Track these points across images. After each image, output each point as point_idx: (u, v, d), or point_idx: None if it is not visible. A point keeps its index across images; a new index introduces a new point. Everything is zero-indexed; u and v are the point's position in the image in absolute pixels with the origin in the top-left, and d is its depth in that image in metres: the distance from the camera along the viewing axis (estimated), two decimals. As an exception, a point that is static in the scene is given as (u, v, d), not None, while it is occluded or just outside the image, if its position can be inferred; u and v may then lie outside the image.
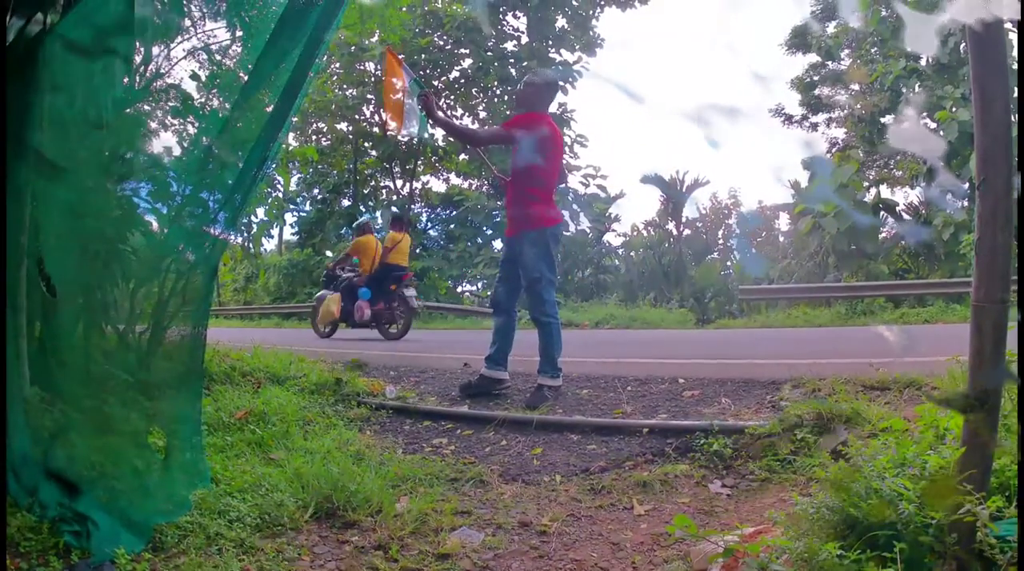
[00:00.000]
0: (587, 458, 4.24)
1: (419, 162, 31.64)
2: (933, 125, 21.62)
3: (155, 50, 3.23)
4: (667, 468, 3.90)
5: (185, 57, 3.33)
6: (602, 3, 28.32)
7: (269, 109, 3.30)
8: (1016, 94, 2.02)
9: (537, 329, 5.81)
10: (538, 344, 5.79)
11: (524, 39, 28.67)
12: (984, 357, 1.97)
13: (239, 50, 3.45)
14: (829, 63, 29.82)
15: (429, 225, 32.26)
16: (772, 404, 4.72)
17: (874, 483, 2.18)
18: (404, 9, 18.19)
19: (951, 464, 2.09)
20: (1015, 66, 2.40)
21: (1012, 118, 1.94)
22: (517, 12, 28.52)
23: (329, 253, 29.95)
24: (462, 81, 29.52)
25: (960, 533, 1.95)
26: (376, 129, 31.41)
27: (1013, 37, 2.03)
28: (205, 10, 3.47)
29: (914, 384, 4.54)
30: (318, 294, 14.33)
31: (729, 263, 35.30)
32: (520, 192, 5.90)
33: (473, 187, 30.81)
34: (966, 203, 20.43)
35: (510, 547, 3.08)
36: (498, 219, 27.11)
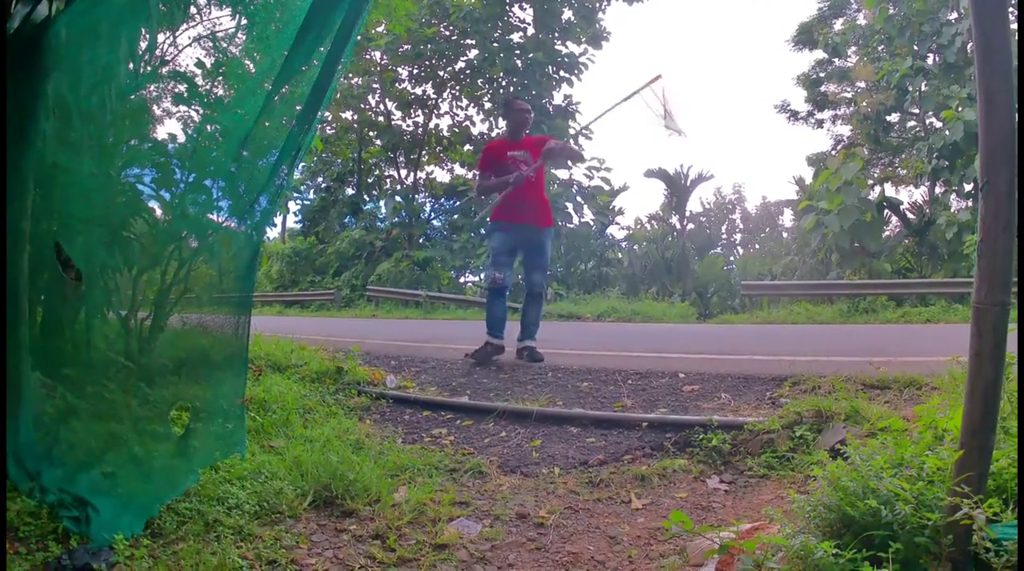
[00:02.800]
0: (586, 451, 4.25)
1: (423, 152, 31.61)
2: (939, 124, 21.58)
3: (160, 37, 3.23)
4: (665, 463, 3.91)
5: (190, 44, 3.34)
6: (608, -5, 28.23)
7: (277, 99, 3.32)
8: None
9: (532, 301, 7.15)
10: (529, 315, 7.09)
11: (530, 31, 28.59)
12: (984, 359, 1.97)
13: (244, 38, 3.46)
14: (835, 60, 29.73)
15: (433, 215, 32.25)
16: (772, 400, 4.72)
17: (871, 483, 2.19)
18: (410, -1, 18.34)
19: (949, 466, 2.09)
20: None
21: (1016, 119, 1.94)
22: (523, 3, 28.43)
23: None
24: (468, 72, 29.45)
25: (956, 535, 1.96)
26: (381, 118, 31.40)
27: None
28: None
29: (914, 383, 4.55)
30: None
31: (732, 258, 35.22)
32: (545, 195, 7.30)
33: (477, 178, 30.79)
34: (970, 203, 20.39)
35: (507, 538, 3.09)
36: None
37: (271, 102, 3.30)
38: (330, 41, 3.16)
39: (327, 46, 3.16)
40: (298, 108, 3.39)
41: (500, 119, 8.56)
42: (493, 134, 28.39)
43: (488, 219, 7.51)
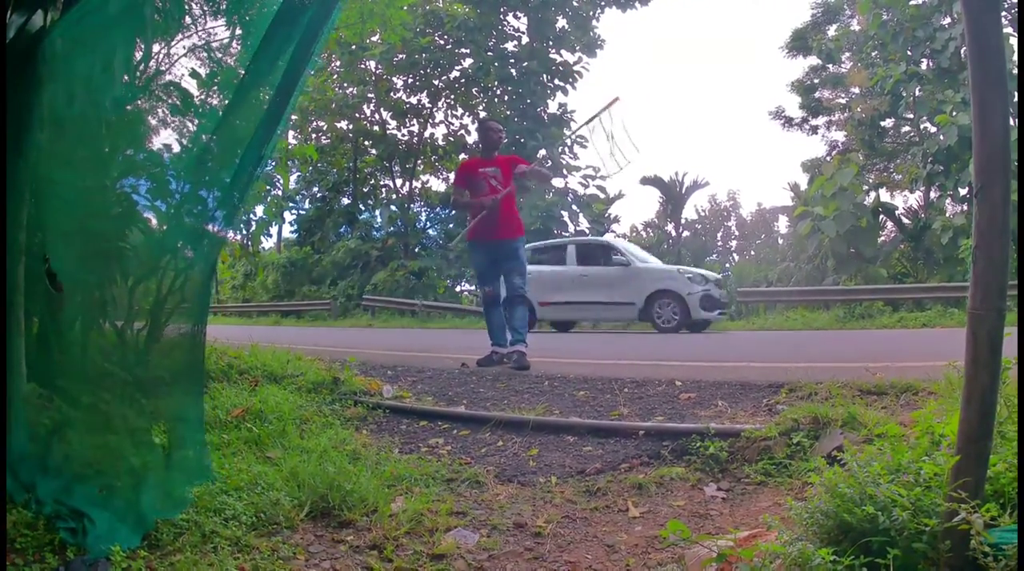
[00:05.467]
0: (583, 460, 4.24)
1: (419, 161, 31.67)
2: (933, 129, 21.65)
3: (155, 47, 3.23)
4: (663, 471, 3.90)
5: (185, 55, 3.34)
6: (602, 4, 28.33)
7: (265, 107, 3.31)
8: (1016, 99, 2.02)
9: (516, 306, 7.63)
10: (514, 318, 7.58)
11: (524, 39, 28.68)
12: (980, 365, 1.97)
13: (239, 48, 3.45)
14: (829, 66, 29.83)
15: (428, 224, 32.29)
16: (768, 407, 4.72)
17: (869, 489, 2.18)
18: (405, 8, 18.19)
19: (946, 471, 2.09)
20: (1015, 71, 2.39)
21: (1012, 122, 1.95)
22: (518, 12, 28.54)
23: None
24: (462, 81, 29.56)
25: (954, 540, 1.95)
26: (376, 127, 31.44)
27: (1013, 42, 2.04)
28: (206, 8, 3.47)
29: (911, 389, 4.54)
30: None
31: (727, 265, 35.26)
32: (515, 207, 7.91)
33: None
34: (965, 207, 20.46)
35: (505, 548, 3.08)
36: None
37: (254, 108, 3.27)
38: (295, 41, 3.12)
39: (293, 46, 3.12)
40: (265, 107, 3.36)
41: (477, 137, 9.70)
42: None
43: (466, 239, 8.23)
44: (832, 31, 29.50)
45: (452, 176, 31.81)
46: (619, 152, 7.46)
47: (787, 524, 2.50)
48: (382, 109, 31.34)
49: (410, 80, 30.19)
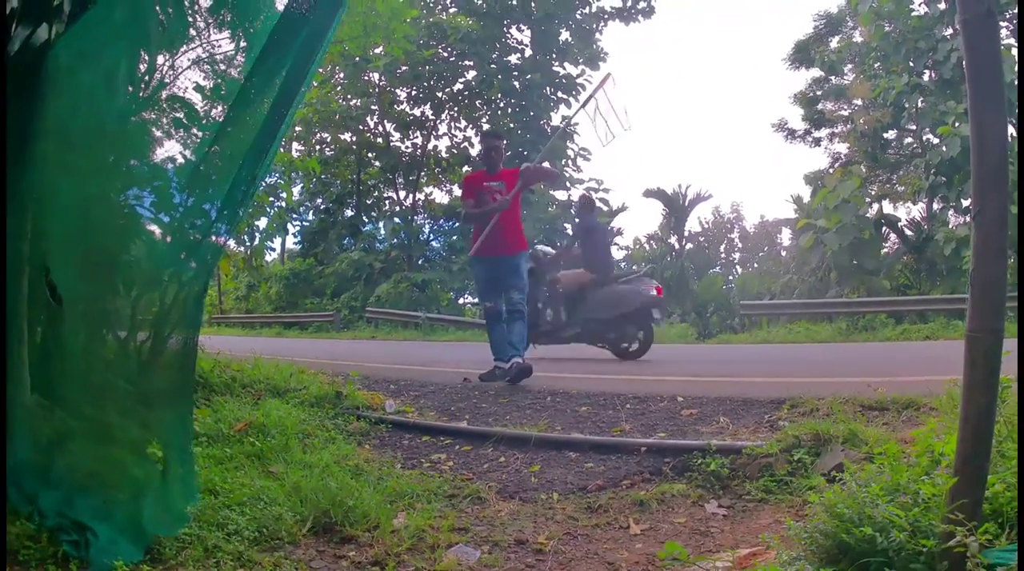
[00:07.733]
0: (585, 476, 4.24)
1: (422, 173, 31.71)
2: (936, 140, 21.65)
3: (159, 59, 3.25)
4: (664, 487, 3.91)
5: (189, 67, 3.35)
6: (605, 17, 28.40)
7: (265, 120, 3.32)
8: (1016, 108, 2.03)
9: (514, 321, 7.56)
10: (513, 332, 7.49)
11: (528, 52, 28.75)
12: (976, 386, 1.98)
13: (243, 60, 3.47)
14: (832, 78, 29.84)
15: (431, 236, 32.32)
16: (770, 424, 4.72)
17: (867, 510, 2.19)
18: (408, 21, 18.15)
19: (944, 492, 2.09)
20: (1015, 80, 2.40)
21: (1011, 131, 1.96)
22: (521, 25, 28.61)
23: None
24: (466, 93, 29.61)
25: (951, 561, 1.96)
26: (379, 139, 31.50)
27: (1015, 52, 2.05)
28: (209, 20, 3.49)
29: (912, 404, 4.54)
30: None
31: (731, 277, 35.24)
32: (519, 221, 7.96)
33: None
34: (968, 219, 20.45)
35: (506, 565, 3.08)
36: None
37: (256, 120, 3.28)
38: (293, 55, 3.14)
39: (291, 60, 3.14)
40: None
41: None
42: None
43: (469, 254, 8.21)
44: (834, 43, 29.50)
45: (455, 188, 32.00)
46: (606, 126, 7.95)
47: (786, 543, 2.51)
48: (386, 121, 31.42)
49: (413, 92, 30.26)
